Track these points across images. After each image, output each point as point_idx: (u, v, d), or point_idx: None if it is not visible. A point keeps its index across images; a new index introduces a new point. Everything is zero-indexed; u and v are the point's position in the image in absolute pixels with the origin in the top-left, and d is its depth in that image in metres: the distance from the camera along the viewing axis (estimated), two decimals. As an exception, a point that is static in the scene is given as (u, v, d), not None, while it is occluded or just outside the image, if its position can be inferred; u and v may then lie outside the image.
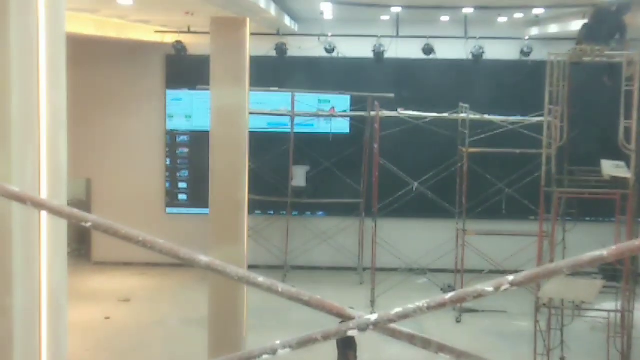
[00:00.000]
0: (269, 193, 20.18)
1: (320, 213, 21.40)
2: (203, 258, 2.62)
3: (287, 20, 17.81)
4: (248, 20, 13.60)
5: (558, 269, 2.79)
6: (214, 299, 13.47)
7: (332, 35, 19.99)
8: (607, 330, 15.03)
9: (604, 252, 2.60)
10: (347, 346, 12.64)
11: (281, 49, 20.15)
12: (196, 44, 19.66)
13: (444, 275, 19.07)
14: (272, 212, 21.07)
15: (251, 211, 15.20)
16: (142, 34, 18.85)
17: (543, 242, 15.90)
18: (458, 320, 17.67)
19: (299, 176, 20.43)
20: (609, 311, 15.22)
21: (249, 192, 14.29)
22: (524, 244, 17.80)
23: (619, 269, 15.43)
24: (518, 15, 18.03)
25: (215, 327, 13.49)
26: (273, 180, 20.35)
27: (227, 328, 13.48)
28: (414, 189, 19.35)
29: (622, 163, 15.44)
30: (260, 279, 2.69)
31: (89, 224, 2.45)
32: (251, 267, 14.70)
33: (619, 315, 15.07)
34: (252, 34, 14.14)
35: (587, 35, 14.19)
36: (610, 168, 15.62)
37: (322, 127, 20.95)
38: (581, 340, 16.13)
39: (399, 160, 19.28)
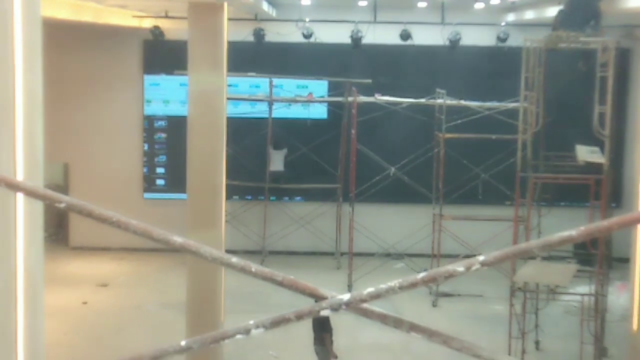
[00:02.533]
0: (247, 178, 20.19)
1: (298, 198, 21.45)
2: (177, 239, 2.66)
3: (265, 6, 17.81)
4: (226, 5, 13.58)
5: (528, 249, 2.84)
6: (191, 283, 13.50)
7: (310, 21, 19.99)
8: (581, 313, 15.20)
9: (573, 233, 2.65)
10: (323, 328, 12.73)
11: (259, 35, 20.12)
12: (174, 29, 19.61)
13: (421, 260, 19.19)
14: (250, 198, 21.09)
15: (229, 196, 15.23)
16: (119, 18, 18.77)
17: (518, 227, 16.05)
18: (434, 305, 17.81)
19: (276, 161, 20.47)
20: (582, 295, 15.39)
21: (227, 178, 14.31)
22: (500, 228, 17.91)
23: (592, 253, 15.59)
24: (494, 1, 18.12)
25: (193, 311, 13.52)
26: (251, 166, 20.37)
27: (204, 312, 13.52)
28: (391, 174, 19.44)
29: (596, 148, 15.59)
30: (234, 259, 2.73)
31: (62, 205, 2.48)
32: (229, 252, 14.57)
33: (592, 298, 15.23)
34: (229, 19, 14.11)
35: (563, 21, 14.28)
36: (584, 153, 15.77)
37: (299, 112, 20.96)
38: (555, 324, 16.32)
39: (376, 145, 19.36)
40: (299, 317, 3.02)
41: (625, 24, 17.37)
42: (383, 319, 3.11)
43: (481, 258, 2.94)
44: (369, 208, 19.89)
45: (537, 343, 15.60)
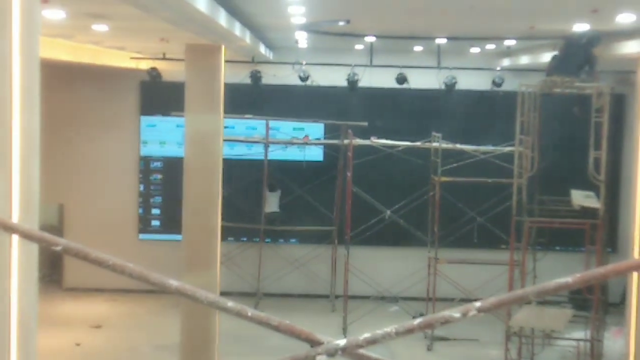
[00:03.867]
0: (242, 220, 20.16)
1: (293, 240, 21.40)
2: (173, 282, 2.65)
3: (262, 48, 17.92)
4: (223, 47, 13.68)
5: (524, 296, 2.84)
6: (185, 325, 13.43)
7: (307, 64, 20.11)
8: (577, 359, 15.13)
9: (569, 280, 2.66)
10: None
11: (256, 77, 20.24)
12: (171, 71, 19.72)
13: (416, 304, 19.11)
14: (245, 239, 21.04)
15: (224, 238, 15.19)
16: (117, 60, 18.88)
17: (514, 271, 16.03)
18: (429, 349, 17.70)
19: (271, 202, 20.46)
20: (578, 340, 15.33)
21: (222, 219, 14.30)
22: (496, 272, 17.89)
23: (588, 298, 15.56)
24: (490, 46, 18.25)
25: (187, 354, 13.44)
26: (246, 207, 20.35)
27: (199, 354, 13.43)
28: (387, 217, 19.44)
29: (591, 193, 15.63)
30: (230, 303, 2.72)
31: (59, 248, 2.47)
32: (224, 293, 14.68)
33: (588, 344, 15.17)
34: (227, 61, 14.21)
35: (557, 66, 14.40)
36: (580, 198, 15.81)
37: (295, 154, 21.00)
38: (551, 369, 16.22)
39: (371, 188, 19.38)
40: (295, 362, 3.00)
41: (619, 69, 17.48)
42: (379, 364, 3.09)
43: (478, 304, 2.94)
44: (365, 251, 19.86)
45: (532, 388, 15.49)
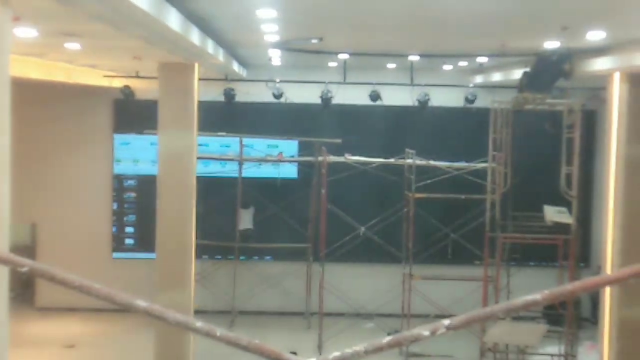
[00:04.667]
0: (217, 237, 20.11)
1: (268, 258, 21.36)
2: (141, 303, 2.65)
3: (236, 66, 17.93)
4: (196, 65, 13.68)
5: (493, 313, 2.86)
6: (159, 344, 13.35)
7: (280, 81, 20.13)
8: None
9: (537, 297, 2.68)
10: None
11: (229, 94, 20.23)
12: (144, 89, 19.67)
13: (391, 320, 19.11)
14: (219, 257, 20.98)
15: (198, 256, 15.14)
16: (90, 78, 18.81)
17: (488, 287, 16.10)
18: (405, 365, 17.70)
19: (245, 219, 20.43)
20: (552, 355, 15.39)
21: (197, 237, 14.26)
22: (470, 288, 17.95)
23: (561, 313, 15.64)
24: (463, 63, 18.37)
25: (161, 374, 13.35)
26: (221, 225, 20.30)
27: (172, 374, 13.35)
28: (361, 233, 19.47)
29: (564, 209, 15.75)
30: (199, 323, 2.72)
31: (25, 269, 2.46)
32: (198, 312, 14.63)
33: (562, 359, 15.23)
34: (200, 79, 14.21)
35: (529, 83, 14.51)
36: (552, 214, 15.92)
37: (270, 171, 21.00)
38: (526, 385, 16.24)
39: (346, 205, 19.40)
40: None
41: (590, 86, 17.66)
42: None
43: (447, 322, 2.95)
44: (339, 268, 19.85)
45: (507, 404, 15.52)
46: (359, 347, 3.02)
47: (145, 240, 19.49)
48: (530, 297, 2.63)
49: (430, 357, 17.88)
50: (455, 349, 17.74)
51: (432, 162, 18.63)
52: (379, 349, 2.96)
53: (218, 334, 2.70)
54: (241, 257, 20.76)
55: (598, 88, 16.70)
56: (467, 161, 18.59)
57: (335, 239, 18.99)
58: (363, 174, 19.22)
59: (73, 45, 11.78)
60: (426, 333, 2.97)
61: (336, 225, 18.96)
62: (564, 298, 2.62)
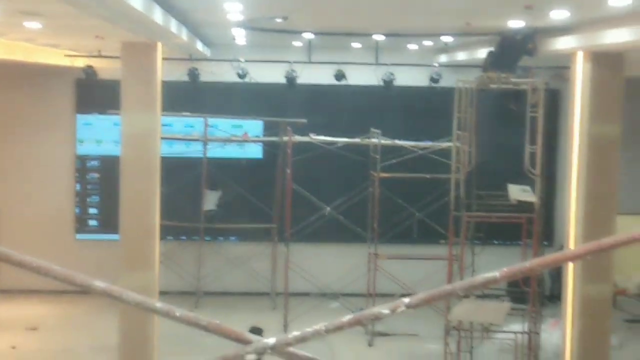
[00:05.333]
0: (182, 218, 20.02)
1: (233, 238, 21.32)
2: (99, 284, 2.61)
3: (200, 45, 17.79)
4: (159, 44, 13.55)
5: (453, 291, 2.87)
6: (123, 325, 13.28)
7: (245, 61, 20.03)
8: (515, 351, 15.32)
9: (496, 274, 2.69)
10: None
11: (194, 74, 20.09)
12: (107, 69, 19.46)
13: (357, 299, 19.17)
14: (184, 238, 20.90)
15: (163, 237, 15.04)
16: (51, 57, 18.57)
17: (453, 266, 16.18)
18: (370, 344, 17.77)
19: (210, 201, 20.34)
20: (515, 332, 15.53)
21: (161, 218, 14.17)
22: (435, 267, 18.05)
23: (525, 291, 15.77)
24: (427, 42, 18.38)
25: (125, 355, 13.29)
26: (185, 206, 20.20)
27: (137, 355, 13.30)
28: (327, 213, 19.48)
29: (528, 187, 15.84)
30: (158, 304, 2.69)
31: (-23, 251, 2.43)
32: (163, 293, 14.53)
33: (526, 336, 15.38)
34: (164, 58, 14.08)
35: (493, 62, 14.55)
36: (516, 192, 16.01)
37: (234, 152, 20.92)
38: (490, 362, 16.39)
39: (311, 185, 19.39)
40: (225, 362, 2.97)
41: (554, 65, 17.74)
42: (310, 362, 3.09)
43: (407, 300, 2.96)
44: (305, 248, 19.85)
45: (472, 381, 15.64)
46: (320, 326, 3.01)
47: (109, 222, 19.35)
48: (489, 275, 2.64)
49: (396, 335, 17.97)
50: (420, 327, 17.86)
51: (397, 142, 18.66)
52: (339, 328, 2.95)
53: (177, 314, 2.68)
54: (206, 238, 20.69)
55: (562, 67, 16.79)
56: (432, 141, 18.64)
57: (301, 219, 19.00)
58: (329, 154, 19.21)
59: (33, 25, 11.62)
60: (386, 311, 2.96)
61: (302, 206, 18.96)
62: (522, 275, 2.64)
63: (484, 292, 16.89)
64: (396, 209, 19.78)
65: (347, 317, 2.89)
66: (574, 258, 2.68)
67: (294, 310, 18.13)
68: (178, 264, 20.61)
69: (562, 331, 13.75)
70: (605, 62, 12.89)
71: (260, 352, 2.91)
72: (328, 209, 19.54)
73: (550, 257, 2.61)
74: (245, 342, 2.87)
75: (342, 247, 20.77)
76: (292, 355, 3.01)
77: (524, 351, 15.24)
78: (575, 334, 13.06)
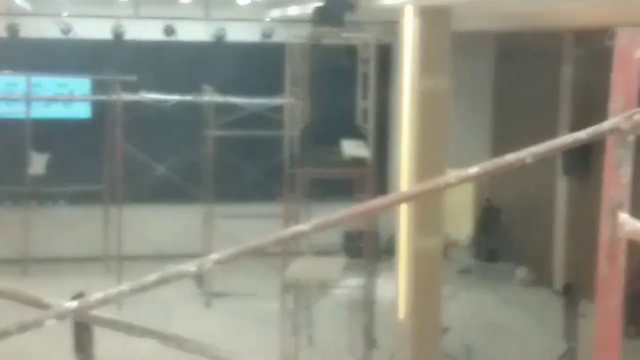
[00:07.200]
0: (5, 182, 19.14)
1: (62, 202, 20.55)
2: None
3: (19, -1, 16.89)
4: (-29, -3, 12.69)
5: (262, 246, 2.85)
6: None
7: (68, 16, 19.17)
8: (350, 306, 15.48)
9: (305, 227, 2.73)
10: (84, 334, 12.13)
11: (13, 30, 19.10)
12: None
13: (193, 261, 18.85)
14: (9, 203, 20.03)
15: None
16: None
17: (289, 223, 16.13)
18: (207, 305, 17.59)
19: (37, 164, 19.50)
20: (352, 287, 15.68)
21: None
22: (272, 225, 17.93)
23: (360, 246, 15.94)
24: (259, -4, 18.11)
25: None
26: (10, 169, 19.31)
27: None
28: (158, 173, 19.09)
29: (361, 143, 15.93)
30: None
31: None
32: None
33: (362, 290, 15.54)
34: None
35: (321, 17, 14.39)
36: (350, 148, 16.09)
37: (61, 112, 20.11)
38: (328, 318, 16.50)
39: (144, 145, 18.90)
40: (22, 329, 2.76)
41: (386, 20, 17.84)
42: (114, 325, 2.90)
43: (215, 257, 2.87)
44: (138, 209, 19.42)
45: (310, 338, 15.72)
46: (124, 287, 2.86)
47: None
48: (298, 227, 2.75)
49: (233, 295, 17.86)
50: (258, 286, 17.81)
51: (230, 99, 18.36)
52: (145, 288, 2.80)
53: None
54: (33, 203, 19.88)
55: (392, 22, 16.89)
56: (266, 98, 18.45)
57: (134, 180, 18.50)
58: (161, 113, 18.75)
59: None
60: (193, 268, 2.92)
61: (134, 166, 18.49)
62: (330, 227, 2.68)
63: (320, 248, 17.00)
64: (232, 168, 19.54)
65: (152, 277, 2.74)
66: (383, 207, 2.70)
67: (128, 274, 17.63)
68: (3, 230, 19.73)
69: (396, 284, 13.94)
70: (433, 16, 12.97)
71: (61, 317, 2.75)
72: (163, 168, 19.11)
73: (356, 209, 2.66)
74: (44, 307, 2.75)
75: (177, 208, 20.41)
76: (95, 318, 2.89)
77: (359, 305, 15.40)
78: (408, 286, 13.25)
